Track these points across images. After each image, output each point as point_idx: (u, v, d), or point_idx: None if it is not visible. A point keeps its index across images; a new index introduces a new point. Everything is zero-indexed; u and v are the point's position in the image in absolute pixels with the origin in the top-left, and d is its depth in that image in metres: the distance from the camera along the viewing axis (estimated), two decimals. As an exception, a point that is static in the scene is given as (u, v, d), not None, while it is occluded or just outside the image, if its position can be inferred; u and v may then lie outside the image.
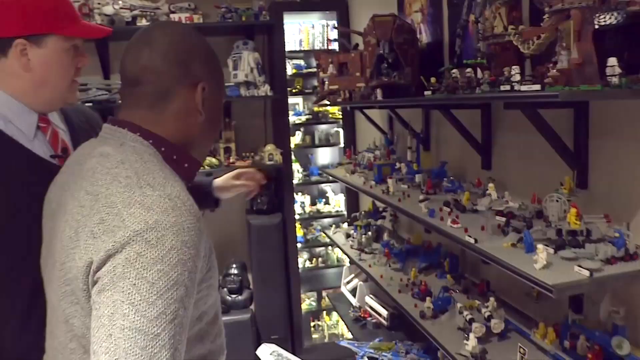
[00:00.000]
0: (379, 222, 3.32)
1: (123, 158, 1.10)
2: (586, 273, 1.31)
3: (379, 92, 2.50)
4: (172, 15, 4.17)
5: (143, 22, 4.08)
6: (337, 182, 3.88)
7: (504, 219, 1.80)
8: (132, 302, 0.93)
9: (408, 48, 2.50)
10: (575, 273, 1.34)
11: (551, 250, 1.46)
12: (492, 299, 2.01)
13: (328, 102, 3.44)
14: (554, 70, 1.28)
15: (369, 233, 3.32)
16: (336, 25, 3.51)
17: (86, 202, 1.06)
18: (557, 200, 1.56)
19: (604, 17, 1.23)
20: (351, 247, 3.30)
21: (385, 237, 3.29)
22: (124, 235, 0.97)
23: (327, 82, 3.38)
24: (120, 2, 4.05)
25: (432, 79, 2.08)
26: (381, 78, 2.51)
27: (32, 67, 1.43)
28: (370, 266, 2.90)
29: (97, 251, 0.99)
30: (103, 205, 1.02)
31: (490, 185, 1.86)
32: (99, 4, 4.07)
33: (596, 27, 1.22)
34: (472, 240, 1.63)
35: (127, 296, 0.93)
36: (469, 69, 1.80)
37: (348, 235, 3.48)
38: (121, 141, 1.15)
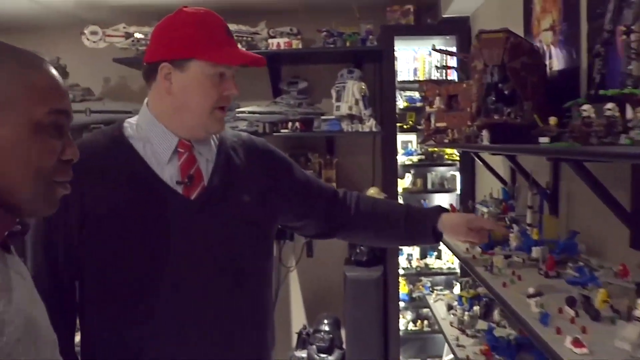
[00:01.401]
0: (493, 292, 2.63)
1: None
2: None
3: (485, 133, 1.87)
4: (270, 41, 3.78)
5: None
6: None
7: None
8: None
9: (528, 75, 1.85)
10: None
11: None
12: None
13: (434, 142, 2.83)
14: None
15: (476, 308, 2.64)
16: (436, 47, 2.90)
17: None
18: None
19: None
20: (451, 324, 2.64)
21: (496, 315, 2.59)
22: None
23: (433, 119, 2.80)
24: (215, 25, 3.72)
25: (552, 120, 1.43)
26: (490, 115, 1.88)
27: (173, 90, 1.44)
28: (468, 357, 2.23)
29: None
30: None
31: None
32: (195, 27, 3.78)
33: None
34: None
35: None
36: (610, 105, 1.15)
37: (450, 307, 2.82)
38: None
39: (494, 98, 1.82)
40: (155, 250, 1.41)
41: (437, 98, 2.68)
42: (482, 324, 2.55)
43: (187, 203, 1.45)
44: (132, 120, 1.54)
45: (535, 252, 1.85)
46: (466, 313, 2.58)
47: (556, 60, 2.20)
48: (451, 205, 3.04)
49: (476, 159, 3.04)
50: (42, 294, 1.44)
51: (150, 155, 1.46)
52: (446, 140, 2.65)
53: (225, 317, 1.47)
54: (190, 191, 1.46)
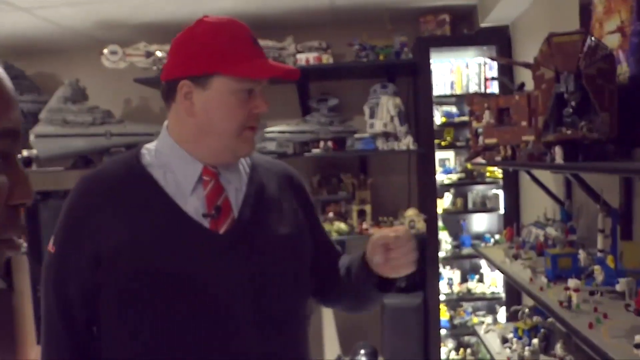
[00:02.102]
0: (550, 320, 2.39)
1: None
2: None
3: (558, 150, 1.64)
4: (298, 56, 3.59)
5: (266, 64, 3.53)
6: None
7: None
8: None
9: (605, 84, 1.62)
10: None
11: None
12: None
13: (483, 161, 2.60)
14: None
15: (535, 341, 2.39)
16: (493, 56, 2.68)
17: None
18: None
19: None
20: (509, 360, 2.39)
21: (559, 349, 2.33)
22: None
23: (481, 135, 2.57)
24: (240, 41, 3.54)
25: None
26: (561, 130, 1.65)
27: (195, 111, 1.28)
28: (536, 403, 1.98)
29: None
30: None
31: None
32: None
33: None
34: None
35: None
36: None
37: (505, 340, 2.57)
38: None
39: (571, 110, 1.60)
40: (179, 293, 1.23)
41: (486, 112, 2.46)
42: (545, 360, 2.30)
43: (215, 238, 1.27)
44: (151, 145, 1.38)
45: (621, 285, 1.61)
46: (527, 348, 2.33)
47: (626, 66, 1.97)
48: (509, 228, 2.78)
49: (527, 175, 2.80)
50: (54, 338, 1.30)
51: (172, 185, 1.30)
52: (498, 158, 2.42)
53: None
54: (218, 225, 1.28)
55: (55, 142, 3.79)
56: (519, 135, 2.20)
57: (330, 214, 3.72)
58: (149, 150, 1.35)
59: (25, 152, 4.02)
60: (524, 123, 2.18)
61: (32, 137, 3.78)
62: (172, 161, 1.32)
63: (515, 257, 2.32)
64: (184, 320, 1.23)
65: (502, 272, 2.29)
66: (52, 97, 3.85)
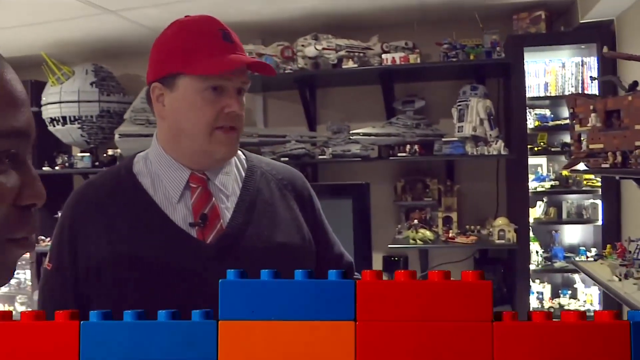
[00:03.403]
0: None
1: None
2: None
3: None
4: (384, 56, 3.47)
5: (350, 64, 3.44)
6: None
7: None
8: None
9: None
10: None
11: None
12: None
13: (587, 167, 2.39)
14: None
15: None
16: (606, 51, 2.47)
17: None
18: None
19: None
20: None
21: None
22: None
23: (585, 139, 2.37)
24: (324, 42, 3.45)
25: None
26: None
27: (165, 114, 1.26)
28: None
29: None
30: None
31: None
32: (302, 45, 3.53)
33: None
34: None
35: None
36: None
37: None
38: None
39: None
40: (165, 303, 1.17)
41: (592, 115, 2.25)
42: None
43: (201, 248, 1.22)
44: (144, 153, 1.36)
45: None
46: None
47: None
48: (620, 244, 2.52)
49: (635, 184, 2.55)
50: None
51: (160, 194, 1.27)
52: (605, 165, 2.21)
53: None
54: (205, 234, 1.24)
55: (138, 141, 3.82)
56: (631, 141, 1.99)
57: (415, 221, 3.56)
58: (140, 158, 1.33)
59: (110, 151, 4.10)
60: (638, 127, 1.97)
61: (116, 137, 3.83)
62: (160, 169, 1.29)
63: (626, 275, 2.11)
64: None
65: (609, 292, 2.07)
66: (136, 98, 3.90)
